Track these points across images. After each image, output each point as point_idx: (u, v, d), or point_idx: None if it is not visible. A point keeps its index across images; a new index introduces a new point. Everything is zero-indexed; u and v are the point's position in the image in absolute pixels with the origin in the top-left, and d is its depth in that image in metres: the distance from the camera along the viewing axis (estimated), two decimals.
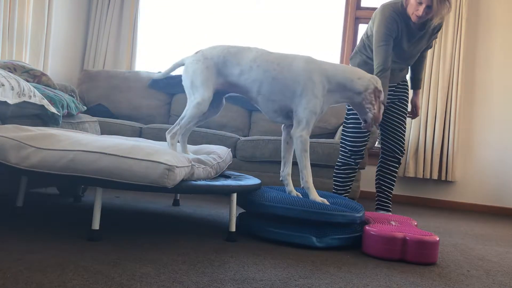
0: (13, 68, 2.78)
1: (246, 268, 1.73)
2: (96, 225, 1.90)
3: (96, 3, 5.05)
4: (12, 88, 2.15)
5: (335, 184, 3.06)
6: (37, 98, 2.34)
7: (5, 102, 2.11)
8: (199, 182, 2.06)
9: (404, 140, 3.04)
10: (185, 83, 2.34)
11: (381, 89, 2.32)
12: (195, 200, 3.36)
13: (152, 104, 4.59)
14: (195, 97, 2.27)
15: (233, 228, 2.17)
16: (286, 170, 2.47)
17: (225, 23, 5.14)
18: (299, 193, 2.45)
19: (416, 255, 2.05)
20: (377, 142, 4.22)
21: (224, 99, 2.49)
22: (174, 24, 5.25)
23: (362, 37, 2.98)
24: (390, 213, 2.97)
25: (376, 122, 2.33)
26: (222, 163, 2.51)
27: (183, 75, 2.35)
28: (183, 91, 4.62)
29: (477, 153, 4.60)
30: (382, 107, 2.36)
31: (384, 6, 2.80)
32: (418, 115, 3.19)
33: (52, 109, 2.44)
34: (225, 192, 2.18)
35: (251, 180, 2.42)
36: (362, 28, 4.88)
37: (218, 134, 3.85)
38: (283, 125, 2.48)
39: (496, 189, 4.54)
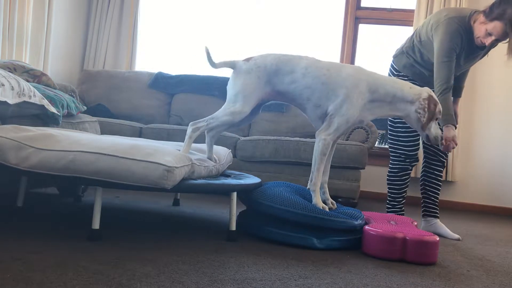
0: (13, 68, 2.78)
1: (246, 268, 1.73)
2: (96, 224, 1.90)
3: (96, 3, 5.05)
4: (12, 88, 2.15)
5: (391, 193, 2.95)
6: (37, 98, 2.34)
7: (5, 102, 2.11)
8: (198, 181, 2.06)
9: None
10: (231, 88, 2.31)
11: (436, 98, 2.29)
12: (195, 200, 3.36)
13: (152, 104, 4.59)
14: (234, 106, 2.25)
15: (233, 227, 2.17)
16: (323, 178, 2.43)
17: (225, 22, 5.14)
18: (334, 202, 2.42)
19: (416, 255, 2.05)
20: (377, 142, 4.22)
21: (260, 108, 2.46)
22: (174, 24, 5.25)
23: (412, 38, 2.84)
24: (438, 219, 2.91)
25: (436, 140, 2.30)
26: (224, 164, 2.52)
27: (231, 80, 2.32)
28: (183, 91, 4.68)
29: (477, 153, 4.59)
30: (438, 127, 2.32)
31: (451, 18, 2.62)
32: (457, 123, 2.97)
33: (52, 109, 2.44)
34: (225, 191, 2.18)
35: (251, 179, 2.42)
36: (362, 28, 4.88)
37: None
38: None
39: (496, 189, 4.54)
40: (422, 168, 2.98)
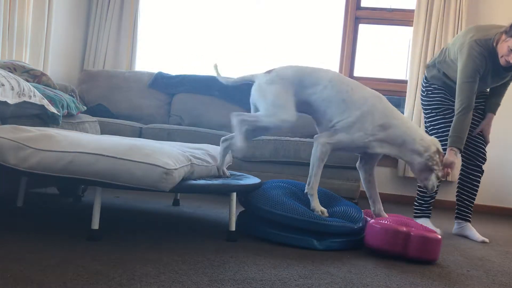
0: (13, 68, 2.78)
1: (246, 268, 1.73)
2: (95, 224, 1.90)
3: (96, 3, 5.05)
4: (12, 88, 2.15)
5: (419, 192, 2.96)
6: (37, 98, 2.34)
7: (5, 102, 2.11)
8: (198, 182, 2.06)
9: (485, 146, 2.89)
10: (261, 103, 2.26)
11: (441, 151, 2.29)
12: (195, 200, 3.36)
13: (152, 104, 4.58)
14: (282, 114, 2.20)
15: (233, 227, 2.17)
16: (377, 208, 2.44)
17: (225, 22, 5.14)
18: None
19: (418, 251, 2.05)
20: None
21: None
22: (174, 24, 5.25)
23: (445, 53, 2.84)
24: (469, 222, 2.93)
25: (430, 190, 2.31)
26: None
27: (256, 94, 2.29)
28: (183, 91, 4.68)
29: None
30: (436, 178, 2.32)
31: (475, 41, 2.64)
32: (487, 141, 2.95)
33: (52, 109, 2.44)
34: (225, 192, 2.18)
35: (251, 180, 2.42)
36: (362, 28, 4.87)
37: (218, 134, 3.85)
38: (358, 162, 2.46)
39: (496, 189, 4.54)
40: (460, 171, 2.97)
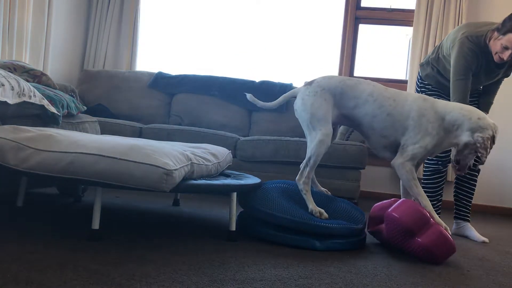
0: (13, 68, 2.78)
1: (246, 268, 1.73)
2: (96, 225, 1.90)
3: (96, 3, 5.05)
4: (12, 88, 2.15)
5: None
6: (37, 98, 2.34)
7: (5, 102, 2.11)
8: (198, 181, 2.06)
9: None
10: (303, 117, 2.31)
11: (495, 139, 2.28)
12: (195, 200, 3.36)
13: (152, 104, 4.58)
14: (316, 133, 2.25)
15: (233, 227, 2.17)
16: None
17: (226, 22, 5.14)
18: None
19: (432, 242, 2.04)
20: None
21: (338, 128, 2.45)
22: (174, 24, 5.25)
23: (438, 50, 2.85)
24: (468, 222, 2.94)
25: (463, 168, 2.32)
26: (222, 162, 2.51)
27: (299, 108, 2.33)
28: (183, 91, 4.69)
29: None
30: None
31: (466, 37, 2.65)
32: None
33: (52, 109, 2.44)
34: (225, 191, 2.18)
35: (251, 179, 2.41)
36: (362, 28, 4.88)
37: (218, 134, 3.85)
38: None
39: (496, 189, 4.54)
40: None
